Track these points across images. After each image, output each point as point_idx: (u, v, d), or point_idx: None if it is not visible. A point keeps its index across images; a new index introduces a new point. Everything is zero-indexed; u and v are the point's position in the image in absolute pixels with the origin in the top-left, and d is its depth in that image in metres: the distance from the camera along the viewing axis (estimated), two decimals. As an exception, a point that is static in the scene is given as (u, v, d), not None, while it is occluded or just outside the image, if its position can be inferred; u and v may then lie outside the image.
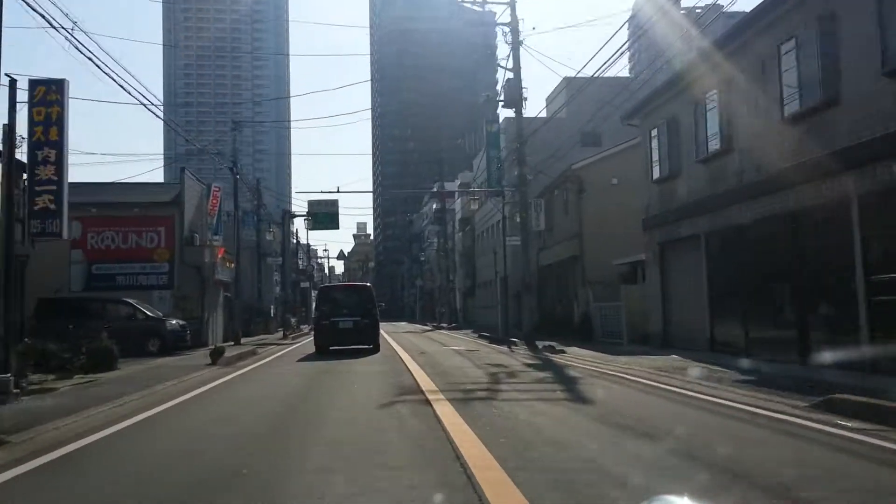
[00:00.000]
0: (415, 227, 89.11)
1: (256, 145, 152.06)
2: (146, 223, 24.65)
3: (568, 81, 31.82)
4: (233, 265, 28.53)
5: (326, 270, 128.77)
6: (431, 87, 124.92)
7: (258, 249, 35.78)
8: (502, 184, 32.03)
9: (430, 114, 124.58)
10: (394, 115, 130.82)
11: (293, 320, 50.79)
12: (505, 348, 21.64)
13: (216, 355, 15.29)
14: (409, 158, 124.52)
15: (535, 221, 24.62)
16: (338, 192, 27.24)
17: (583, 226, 24.82)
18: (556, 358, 16.68)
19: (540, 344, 21.20)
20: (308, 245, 60.91)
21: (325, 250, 62.15)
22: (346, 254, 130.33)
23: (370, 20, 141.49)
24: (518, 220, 25.02)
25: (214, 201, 27.29)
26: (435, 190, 59.59)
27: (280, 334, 34.16)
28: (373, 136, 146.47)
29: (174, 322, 20.90)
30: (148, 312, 20.82)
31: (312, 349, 20.55)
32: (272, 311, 41.39)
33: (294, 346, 25.31)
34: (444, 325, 46.60)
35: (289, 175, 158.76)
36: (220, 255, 25.42)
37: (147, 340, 20.03)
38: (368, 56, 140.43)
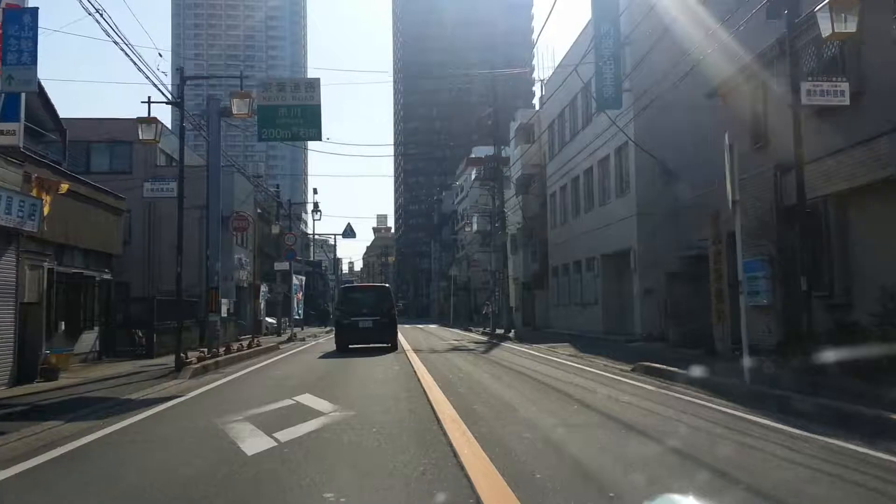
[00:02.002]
0: (445, 207, 72.46)
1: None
2: None
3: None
4: (51, 196, 12.15)
5: (346, 266, 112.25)
6: (458, 61, 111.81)
7: (179, 188, 17.31)
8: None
9: (457, 88, 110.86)
10: (419, 97, 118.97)
11: (269, 322, 33.94)
12: None
13: None
14: (434, 139, 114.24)
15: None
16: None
17: None
18: None
19: None
20: (289, 203, 44.14)
21: (316, 210, 41.87)
22: (366, 247, 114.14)
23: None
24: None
25: None
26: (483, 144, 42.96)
27: (207, 351, 17.06)
28: (394, 124, 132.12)
29: None
30: None
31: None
32: (229, 307, 23.71)
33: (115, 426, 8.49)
34: (501, 331, 29.72)
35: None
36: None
37: None
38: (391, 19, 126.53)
